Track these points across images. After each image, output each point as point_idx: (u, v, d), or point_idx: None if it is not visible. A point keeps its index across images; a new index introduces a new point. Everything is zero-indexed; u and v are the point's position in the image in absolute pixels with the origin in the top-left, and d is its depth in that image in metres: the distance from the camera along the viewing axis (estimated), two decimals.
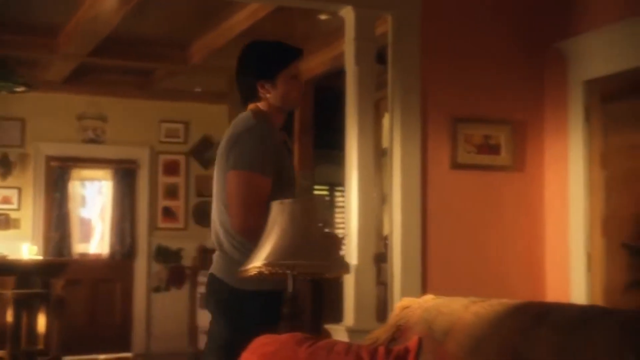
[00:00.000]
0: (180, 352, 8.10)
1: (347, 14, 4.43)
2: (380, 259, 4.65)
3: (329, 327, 4.32)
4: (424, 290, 4.46)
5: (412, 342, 2.11)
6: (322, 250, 2.48)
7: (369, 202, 4.36)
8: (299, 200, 2.59)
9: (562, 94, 4.68)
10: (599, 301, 4.35)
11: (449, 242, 4.59)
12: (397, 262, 4.35)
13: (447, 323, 2.08)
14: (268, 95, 2.79)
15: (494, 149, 4.72)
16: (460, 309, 2.09)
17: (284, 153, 2.86)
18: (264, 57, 2.83)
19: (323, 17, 5.88)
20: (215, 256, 2.88)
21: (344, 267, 2.60)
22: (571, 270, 4.55)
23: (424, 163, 4.54)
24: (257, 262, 2.42)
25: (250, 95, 2.84)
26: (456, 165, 4.63)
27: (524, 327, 1.83)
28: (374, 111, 4.79)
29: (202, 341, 7.74)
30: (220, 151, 2.87)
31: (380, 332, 2.28)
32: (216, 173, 2.87)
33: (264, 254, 2.43)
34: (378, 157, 4.81)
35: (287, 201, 2.53)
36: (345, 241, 3.02)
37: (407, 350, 2.08)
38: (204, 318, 7.68)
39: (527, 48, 4.82)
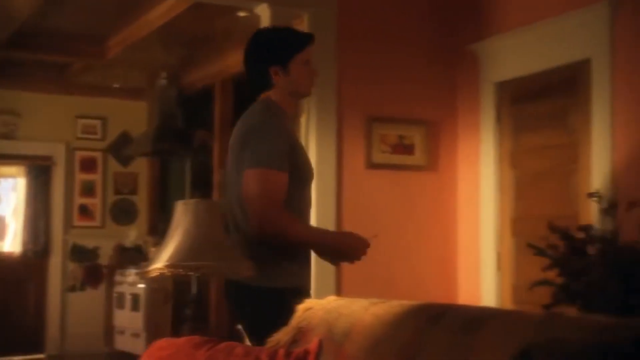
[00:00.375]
0: (95, 352, 7.94)
1: (263, 11, 4.41)
2: None
3: (241, 328, 4.28)
4: (338, 290, 4.47)
5: (312, 344, 2.10)
6: (227, 251, 2.45)
7: None
8: (203, 201, 2.55)
9: (474, 95, 4.76)
10: (507, 299, 4.45)
11: None
12: (313, 262, 4.34)
13: (347, 325, 2.08)
14: (281, 81, 2.70)
15: (409, 149, 4.76)
16: (360, 310, 2.09)
17: (298, 143, 2.77)
18: (276, 42, 2.75)
19: (242, 14, 5.83)
20: None
21: (249, 268, 2.56)
22: (482, 269, 4.64)
23: (339, 162, 4.55)
24: (159, 264, 2.37)
25: (261, 83, 2.73)
26: (371, 165, 4.65)
27: (420, 327, 1.84)
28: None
29: (118, 341, 7.61)
30: (231, 147, 2.79)
31: (282, 335, 2.26)
32: (228, 169, 2.81)
33: (166, 255, 2.38)
34: None
35: (191, 201, 2.49)
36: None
37: (307, 353, 2.07)
38: (121, 318, 7.59)
39: (441, 49, 4.88)
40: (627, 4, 3.79)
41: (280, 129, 2.63)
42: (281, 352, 2.07)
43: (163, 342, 2.04)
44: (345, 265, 4.52)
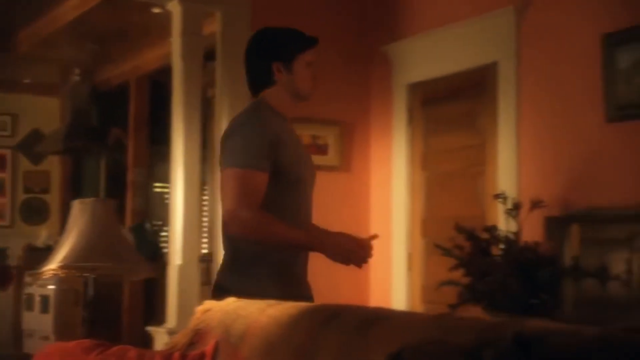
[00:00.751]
0: (3, 355, 7.68)
1: (174, 7, 4.35)
2: (207, 258, 4.59)
3: (150, 329, 4.22)
4: None
5: (208, 346, 2.07)
6: (124, 252, 2.39)
7: (194, 199, 4.29)
8: (99, 200, 2.48)
9: (387, 96, 4.80)
10: (417, 299, 4.50)
11: None
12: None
13: (244, 326, 2.05)
14: (282, 79, 2.63)
15: (322, 149, 4.77)
16: (256, 312, 2.07)
17: (288, 144, 2.63)
18: (280, 39, 2.69)
19: (156, 10, 5.73)
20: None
21: (148, 270, 2.51)
22: (393, 270, 4.68)
23: None
24: (53, 265, 2.29)
25: (262, 80, 2.65)
26: None
27: (315, 329, 1.83)
28: (211, 108, 4.72)
29: (27, 344, 7.38)
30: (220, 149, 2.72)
31: (179, 337, 2.22)
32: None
33: (61, 256, 2.31)
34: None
35: (87, 200, 2.42)
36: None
37: (202, 355, 2.04)
38: (30, 320, 7.35)
39: (355, 50, 4.90)
40: (531, 9, 3.88)
41: (261, 128, 2.54)
42: (176, 355, 2.03)
43: (52, 347, 1.98)
44: None
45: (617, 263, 2.96)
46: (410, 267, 4.56)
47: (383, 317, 1.73)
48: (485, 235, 3.52)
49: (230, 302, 2.26)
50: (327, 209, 4.76)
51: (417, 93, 4.63)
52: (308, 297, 2.76)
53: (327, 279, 4.69)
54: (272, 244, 2.56)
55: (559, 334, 1.31)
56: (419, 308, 4.50)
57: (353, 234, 2.68)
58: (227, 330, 2.09)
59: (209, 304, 2.29)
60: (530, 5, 3.90)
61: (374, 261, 4.81)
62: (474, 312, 3.58)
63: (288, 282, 2.66)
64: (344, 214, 4.82)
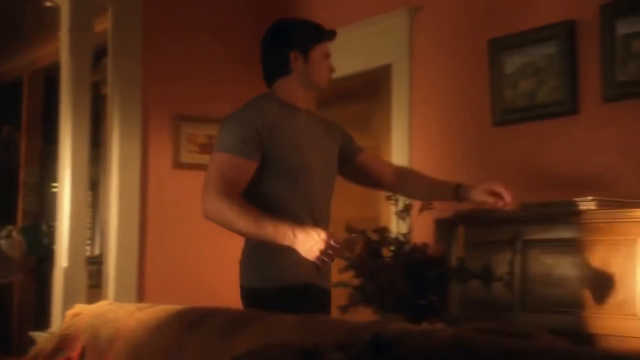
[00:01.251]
0: None
1: (63, 2, 4.20)
2: (97, 260, 4.46)
3: (34, 334, 4.06)
4: (141, 295, 4.34)
5: (75, 352, 1.99)
6: None
7: (82, 200, 4.16)
8: None
9: None
10: None
11: (170, 245, 4.50)
12: (112, 264, 4.19)
13: (113, 330, 1.99)
14: (299, 68, 2.59)
15: None
16: (126, 315, 2.00)
17: (289, 135, 2.55)
18: (299, 28, 2.68)
19: (48, 3, 5.55)
20: None
21: (16, 272, 2.40)
22: None
23: (144, 162, 4.42)
24: None
25: (278, 69, 2.62)
26: (178, 165, 4.55)
27: (181, 333, 1.78)
28: (103, 106, 4.59)
29: None
30: None
31: (46, 342, 2.13)
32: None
33: None
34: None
35: None
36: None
37: None
38: None
39: (253, 50, 4.83)
40: (424, 12, 3.92)
41: (254, 116, 2.49)
42: None
43: None
44: (148, 269, 4.42)
45: (501, 264, 3.01)
46: None
47: (250, 320, 1.69)
48: (375, 237, 3.54)
49: (101, 306, 2.18)
50: None
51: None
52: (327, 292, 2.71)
53: (222, 281, 4.63)
54: (237, 232, 2.49)
55: (414, 336, 1.31)
56: None
57: (311, 229, 2.49)
58: (95, 335, 2.02)
59: (79, 307, 2.20)
60: (423, 9, 3.94)
61: None
62: (365, 313, 3.59)
63: (310, 272, 2.57)
64: None
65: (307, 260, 2.47)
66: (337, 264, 3.60)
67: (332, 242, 2.44)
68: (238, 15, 4.82)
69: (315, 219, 2.67)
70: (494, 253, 3.06)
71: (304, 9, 4.72)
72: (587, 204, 2.79)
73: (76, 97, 4.16)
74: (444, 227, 3.48)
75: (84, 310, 2.16)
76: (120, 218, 4.22)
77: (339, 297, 3.60)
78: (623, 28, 3.07)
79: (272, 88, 2.66)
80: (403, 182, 2.96)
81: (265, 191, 2.49)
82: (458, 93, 3.76)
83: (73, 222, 4.08)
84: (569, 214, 2.82)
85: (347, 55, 4.34)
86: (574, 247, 2.82)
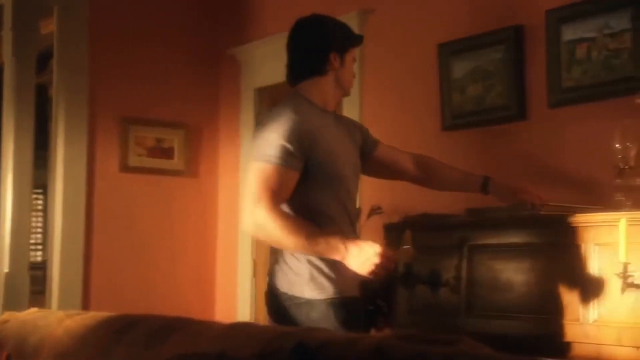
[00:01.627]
0: None
1: (7, 1, 4.11)
2: (42, 266, 4.36)
3: None
4: (86, 302, 4.25)
5: None
6: None
7: (24, 204, 4.06)
8: None
9: (235, 100, 4.73)
10: (261, 305, 4.43)
11: (117, 250, 4.42)
12: (57, 270, 4.10)
13: (39, 338, 1.93)
14: (336, 69, 2.54)
15: (167, 153, 4.64)
16: (54, 323, 1.95)
17: (326, 141, 2.47)
18: (339, 30, 2.63)
19: None
20: (270, 262, 2.59)
21: None
22: (239, 277, 4.61)
23: (90, 165, 4.34)
24: None
25: (313, 68, 2.54)
26: (126, 169, 4.48)
27: (107, 341, 1.73)
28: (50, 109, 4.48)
29: None
30: None
31: None
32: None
33: None
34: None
35: None
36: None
37: None
38: None
39: (204, 51, 4.81)
40: (375, 15, 3.90)
41: (296, 123, 2.40)
42: None
43: None
44: (94, 275, 4.32)
45: (448, 269, 3.00)
46: (255, 274, 4.50)
47: (178, 327, 1.65)
48: None
49: (31, 313, 2.12)
50: (172, 216, 4.65)
51: (264, 98, 4.59)
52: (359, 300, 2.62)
53: (171, 288, 4.58)
54: (284, 247, 2.44)
55: (338, 344, 1.28)
56: (262, 315, 4.44)
57: (366, 242, 2.45)
58: (22, 343, 1.96)
59: (8, 314, 2.14)
60: (374, 12, 3.92)
61: (221, 268, 4.77)
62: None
63: (356, 285, 2.54)
64: (190, 221, 4.71)
65: (354, 274, 2.43)
66: None
67: (385, 256, 2.40)
68: (185, 17, 4.76)
69: (352, 225, 2.67)
70: (442, 258, 3.05)
71: (253, 11, 4.68)
72: (532, 209, 2.80)
73: (19, 99, 4.07)
74: (393, 232, 3.46)
75: (12, 318, 2.10)
76: (65, 223, 4.14)
77: None
78: (568, 34, 3.08)
79: (299, 87, 2.58)
80: (427, 172, 2.93)
81: (307, 201, 2.43)
82: (408, 97, 3.76)
83: (15, 227, 3.99)
84: (514, 219, 2.82)
85: None
86: (520, 252, 2.82)
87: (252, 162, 2.41)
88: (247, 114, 4.64)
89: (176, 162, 4.66)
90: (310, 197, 2.44)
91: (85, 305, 4.23)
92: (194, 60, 4.77)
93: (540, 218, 2.79)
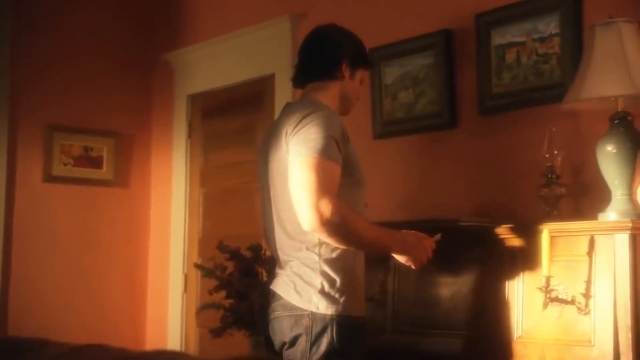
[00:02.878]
0: None
1: None
2: None
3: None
4: (3, 322, 4.09)
5: None
6: None
7: None
8: None
9: (169, 107, 4.62)
10: (192, 321, 4.32)
11: (39, 266, 4.26)
12: None
13: None
14: (346, 78, 2.54)
15: (95, 162, 4.50)
16: None
17: (353, 145, 2.46)
18: (358, 45, 2.65)
19: None
20: (281, 275, 2.48)
21: None
22: (170, 292, 4.48)
23: (10, 175, 4.19)
24: None
25: (326, 70, 2.53)
26: (50, 178, 4.33)
27: None
28: None
29: None
30: (270, 145, 2.45)
31: None
32: (269, 173, 2.47)
33: None
34: None
35: None
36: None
37: None
38: None
39: (135, 57, 4.69)
40: (308, 19, 3.82)
41: (334, 120, 2.38)
42: None
43: None
44: (12, 293, 4.16)
45: (374, 284, 2.92)
46: (186, 289, 4.38)
47: (30, 349, 1.53)
48: (249, 254, 3.39)
49: None
50: (101, 228, 4.50)
51: (197, 105, 4.48)
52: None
53: (98, 304, 4.43)
54: (361, 242, 2.36)
55: None
56: (192, 332, 4.32)
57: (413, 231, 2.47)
58: None
59: None
60: (307, 16, 3.84)
61: (152, 283, 4.63)
62: (238, 337, 3.44)
63: (354, 299, 2.46)
64: (120, 234, 4.57)
65: (363, 293, 2.50)
66: (210, 283, 3.45)
67: (433, 246, 2.46)
68: (116, 21, 4.64)
69: None
70: (367, 273, 2.96)
71: (187, 16, 4.58)
72: (455, 222, 2.72)
73: None
74: None
75: None
76: None
77: (213, 319, 3.44)
78: (497, 38, 3.02)
79: (308, 90, 2.57)
80: None
81: (340, 199, 2.31)
82: None
83: None
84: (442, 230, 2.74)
85: (231, 65, 4.22)
86: (446, 267, 2.74)
87: (301, 157, 2.31)
88: (180, 122, 4.53)
89: (105, 172, 4.52)
90: (348, 197, 2.37)
91: (2, 326, 4.06)
92: (126, 65, 4.64)
93: (465, 231, 2.72)
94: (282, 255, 2.51)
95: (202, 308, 3.47)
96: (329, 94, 2.55)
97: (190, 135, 4.47)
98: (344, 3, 3.70)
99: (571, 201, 2.77)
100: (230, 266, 3.39)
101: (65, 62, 4.42)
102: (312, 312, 2.38)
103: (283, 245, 2.49)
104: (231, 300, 3.38)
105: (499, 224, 2.63)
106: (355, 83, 2.62)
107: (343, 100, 2.60)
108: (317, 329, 2.38)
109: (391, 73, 3.39)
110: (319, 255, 2.40)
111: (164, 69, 4.64)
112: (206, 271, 3.39)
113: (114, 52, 4.60)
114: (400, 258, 2.48)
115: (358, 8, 3.62)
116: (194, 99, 4.48)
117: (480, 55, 3.06)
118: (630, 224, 2.31)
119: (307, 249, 2.41)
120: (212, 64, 4.35)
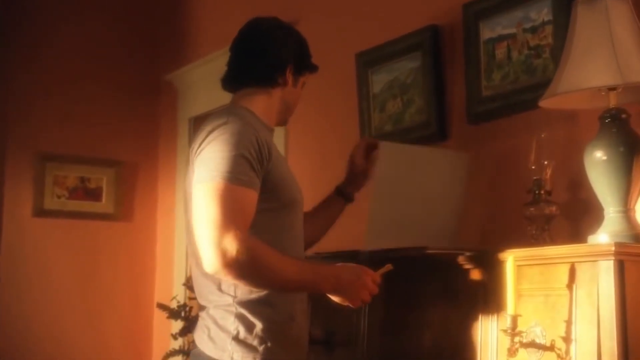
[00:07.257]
0: None
1: None
2: None
3: None
4: None
5: None
6: None
7: None
8: None
9: (173, 132, 4.46)
10: None
11: (27, 305, 4.14)
12: None
13: None
14: (287, 85, 2.26)
15: (93, 194, 4.38)
16: None
17: (279, 159, 2.20)
18: (305, 48, 2.36)
19: None
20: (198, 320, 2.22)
21: None
22: (175, 327, 4.28)
23: None
24: None
25: (264, 75, 2.23)
26: (41, 212, 4.23)
27: None
28: None
29: None
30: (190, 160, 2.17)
31: None
32: (186, 199, 2.20)
33: None
34: None
35: None
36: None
37: None
38: None
39: (137, 79, 4.56)
40: (300, 26, 3.58)
41: (251, 135, 2.06)
42: None
43: None
44: (3, 333, 4.06)
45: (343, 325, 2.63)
46: None
47: None
48: None
49: None
50: (99, 266, 4.34)
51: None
52: None
53: (100, 344, 4.27)
54: (278, 283, 2.05)
55: None
56: None
57: (358, 265, 2.15)
58: None
59: None
60: (298, 23, 3.60)
61: (158, 327, 4.43)
62: None
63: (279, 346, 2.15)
64: (121, 271, 4.42)
65: (300, 338, 2.19)
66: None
67: (377, 280, 2.14)
68: (114, 42, 4.52)
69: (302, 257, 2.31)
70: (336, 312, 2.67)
71: (190, 32, 4.43)
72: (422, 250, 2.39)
73: None
74: None
75: None
76: None
77: None
78: (487, 32, 2.70)
79: (238, 96, 2.26)
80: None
81: (259, 229, 2.03)
82: (329, 115, 3.42)
83: None
84: (407, 260, 2.42)
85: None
86: (413, 304, 2.43)
87: (202, 183, 2.00)
88: (184, 148, 4.35)
89: (104, 204, 4.39)
90: (261, 223, 2.06)
91: None
92: (126, 87, 4.51)
93: (433, 260, 2.38)
94: (198, 297, 2.22)
95: (166, 357, 3.24)
96: (264, 103, 2.25)
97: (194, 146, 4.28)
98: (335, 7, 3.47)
99: (566, 222, 2.40)
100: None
101: (59, 86, 4.33)
102: None
103: (199, 284, 2.20)
104: None
105: (474, 251, 2.29)
106: (297, 89, 2.33)
107: (283, 109, 2.31)
108: None
109: (379, 81, 3.10)
110: (233, 297, 2.09)
111: (167, 90, 4.49)
112: (170, 312, 3.17)
113: (112, 74, 4.49)
114: (335, 297, 2.13)
115: (348, 10, 3.37)
116: (197, 121, 4.30)
117: (468, 53, 2.74)
118: (614, 248, 1.92)
119: (220, 289, 2.10)
120: (214, 82, 4.15)
